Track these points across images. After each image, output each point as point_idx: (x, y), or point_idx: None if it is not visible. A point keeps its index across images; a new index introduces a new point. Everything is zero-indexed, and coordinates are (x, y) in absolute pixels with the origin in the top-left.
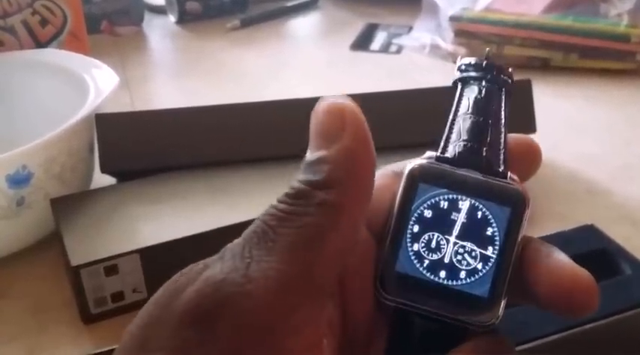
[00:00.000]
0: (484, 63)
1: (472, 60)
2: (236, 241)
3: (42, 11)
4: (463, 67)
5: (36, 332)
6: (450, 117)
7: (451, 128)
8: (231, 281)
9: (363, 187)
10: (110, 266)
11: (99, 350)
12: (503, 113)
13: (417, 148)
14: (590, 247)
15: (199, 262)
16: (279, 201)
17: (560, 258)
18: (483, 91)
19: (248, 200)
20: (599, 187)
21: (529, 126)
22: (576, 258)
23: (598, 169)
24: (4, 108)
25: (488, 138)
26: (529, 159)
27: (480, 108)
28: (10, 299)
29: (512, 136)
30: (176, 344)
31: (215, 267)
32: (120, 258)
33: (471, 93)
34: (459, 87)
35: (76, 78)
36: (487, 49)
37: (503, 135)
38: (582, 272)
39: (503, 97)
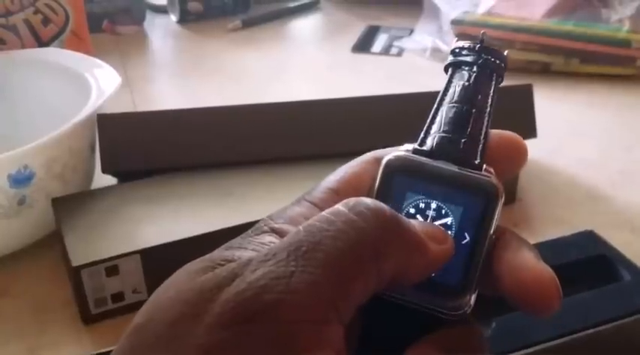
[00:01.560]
0: (477, 46)
1: (465, 43)
2: (281, 245)
3: (44, 10)
4: (457, 51)
5: (36, 331)
6: (435, 105)
7: (433, 118)
8: (273, 289)
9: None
10: (111, 266)
11: (99, 351)
12: (490, 100)
13: None
14: (590, 253)
15: (236, 253)
16: (333, 214)
17: (527, 255)
18: (472, 77)
19: (249, 201)
20: (599, 192)
21: (530, 130)
22: (576, 264)
23: (598, 174)
24: (5, 107)
25: (469, 129)
26: (513, 155)
27: (466, 96)
28: (11, 298)
29: (497, 132)
30: (212, 343)
31: (257, 270)
32: (121, 259)
33: (460, 80)
34: (450, 72)
35: (78, 77)
36: (482, 31)
37: (485, 126)
38: (545, 273)
39: (493, 82)
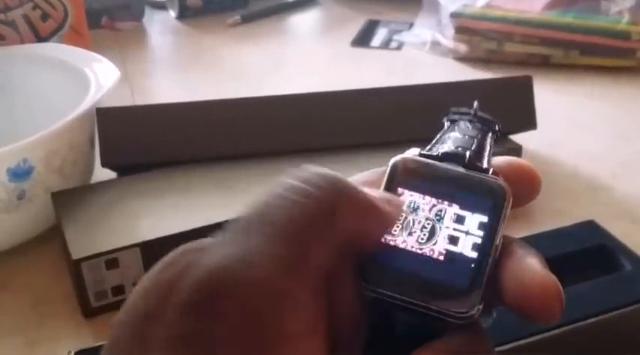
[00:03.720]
0: (472, 111)
1: (462, 109)
2: (234, 226)
3: (43, 5)
4: (452, 114)
5: (36, 325)
6: (435, 140)
7: (437, 141)
8: (231, 269)
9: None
10: (111, 259)
11: (99, 344)
12: (488, 144)
13: (415, 144)
14: (591, 243)
15: (193, 245)
16: (283, 186)
17: (531, 262)
18: (471, 126)
19: (248, 194)
20: (600, 184)
21: (530, 122)
22: (577, 254)
23: (599, 166)
24: (5, 102)
25: (474, 147)
26: (525, 183)
27: (467, 132)
28: (11, 292)
29: (506, 159)
30: (178, 334)
31: (215, 253)
32: (121, 252)
33: (459, 127)
34: (448, 124)
35: (77, 72)
36: (475, 102)
37: (487, 154)
38: (549, 279)
39: (489, 136)
